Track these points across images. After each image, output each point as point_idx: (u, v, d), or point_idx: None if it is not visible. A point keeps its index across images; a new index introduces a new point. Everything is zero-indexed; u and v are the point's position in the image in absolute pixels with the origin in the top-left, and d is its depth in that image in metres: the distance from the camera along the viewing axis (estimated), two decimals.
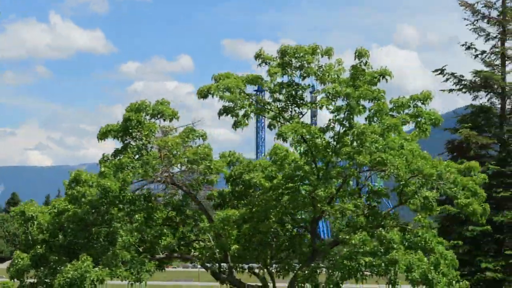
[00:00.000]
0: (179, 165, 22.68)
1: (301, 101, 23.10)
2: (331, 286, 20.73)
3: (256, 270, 24.39)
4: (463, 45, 35.64)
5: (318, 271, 22.00)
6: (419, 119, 23.11)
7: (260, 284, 23.82)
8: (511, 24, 35.20)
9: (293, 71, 22.71)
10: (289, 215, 23.13)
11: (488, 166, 33.30)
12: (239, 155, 24.42)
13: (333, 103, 22.35)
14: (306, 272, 21.86)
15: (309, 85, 23.33)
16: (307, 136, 21.70)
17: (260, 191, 23.17)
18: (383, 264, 20.30)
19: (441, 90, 35.94)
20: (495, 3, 35.30)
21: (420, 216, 21.77)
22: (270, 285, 24.10)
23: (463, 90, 35.65)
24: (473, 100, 35.75)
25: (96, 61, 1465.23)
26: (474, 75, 34.83)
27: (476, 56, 35.45)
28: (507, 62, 35.35)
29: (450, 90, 35.72)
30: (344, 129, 21.99)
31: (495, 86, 34.86)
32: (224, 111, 23.10)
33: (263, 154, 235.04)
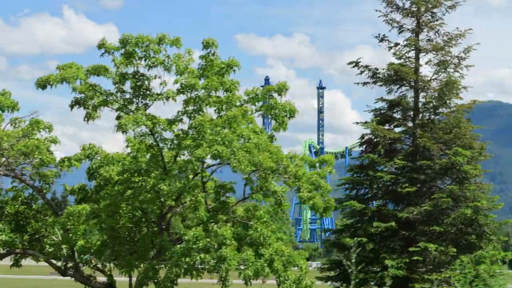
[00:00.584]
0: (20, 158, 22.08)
1: (147, 92, 22.40)
2: (167, 283, 20.15)
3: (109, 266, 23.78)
4: (376, 37, 34.87)
5: (159, 267, 21.38)
6: (275, 111, 22.41)
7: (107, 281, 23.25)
8: (425, 16, 34.38)
9: (139, 61, 22.00)
10: (140, 210, 22.52)
11: (395, 161, 32.58)
12: (99, 149, 23.79)
13: (185, 94, 21.77)
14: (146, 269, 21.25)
15: (155, 75, 22.62)
16: (157, 129, 21.15)
17: (109, 186, 22.59)
18: (212, 261, 19.66)
19: (355, 83, 35.15)
20: None
21: (261, 212, 21.11)
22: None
23: (378, 83, 34.85)
24: (388, 93, 34.93)
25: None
26: (387, 68, 33.98)
27: (390, 48, 34.65)
28: (420, 55, 34.51)
29: (364, 83, 34.93)
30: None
31: (408, 79, 34.04)
32: (76, 102, 22.52)
33: None
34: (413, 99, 34.43)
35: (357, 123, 34.12)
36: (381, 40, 34.73)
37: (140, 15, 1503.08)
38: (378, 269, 31.99)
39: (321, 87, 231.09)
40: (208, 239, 19.80)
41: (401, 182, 32.85)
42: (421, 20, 34.37)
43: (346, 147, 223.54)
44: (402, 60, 34.16)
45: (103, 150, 23.72)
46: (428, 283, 31.67)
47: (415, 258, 31.61)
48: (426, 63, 34.36)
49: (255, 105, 22.33)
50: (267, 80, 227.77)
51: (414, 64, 34.29)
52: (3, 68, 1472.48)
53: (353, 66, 35.11)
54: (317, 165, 22.20)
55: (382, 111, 34.37)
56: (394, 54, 34.04)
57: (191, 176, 21.42)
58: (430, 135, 33.16)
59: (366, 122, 33.86)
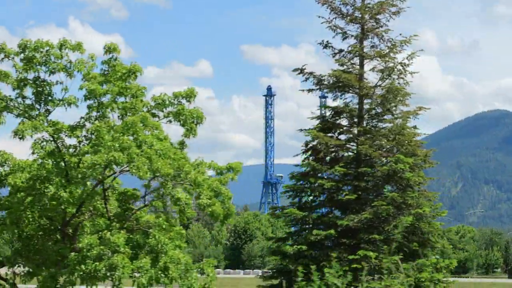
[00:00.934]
0: None
1: (49, 98, 22.12)
2: None
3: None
4: (320, 43, 34.61)
5: (59, 276, 21.08)
6: (183, 117, 22.17)
7: None
8: (369, 22, 34.11)
9: (39, 67, 21.76)
10: (46, 218, 22.27)
11: (336, 168, 32.28)
12: (9, 155, 23.48)
13: (91, 100, 21.55)
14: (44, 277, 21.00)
15: (57, 81, 22.31)
16: (60, 135, 20.95)
17: (13, 193, 22.34)
18: (104, 269, 19.38)
19: (301, 90, 34.87)
20: (354, 0, 34.16)
21: (161, 219, 20.83)
22: None
23: (324, 90, 34.59)
24: (333, 100, 34.69)
25: None
26: (328, 75, 33.69)
27: (335, 55, 34.38)
28: (365, 62, 34.21)
29: (310, 90, 34.65)
30: None
31: (351, 86, 33.74)
32: None
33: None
34: (357, 106, 34.17)
35: (301, 130, 33.82)
36: (325, 47, 34.46)
37: (146, 26, 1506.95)
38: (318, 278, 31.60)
39: (323, 96, 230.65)
40: (102, 247, 19.53)
41: (342, 190, 32.58)
42: (365, 27, 34.12)
43: None
44: (345, 66, 33.87)
45: (13, 157, 23.40)
46: None
47: (354, 266, 31.23)
48: (371, 69, 34.10)
49: (163, 111, 22.09)
50: (269, 89, 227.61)
51: (358, 71, 34.02)
52: None
53: (298, 73, 34.85)
54: (225, 172, 21.84)
55: (326, 118, 34.09)
56: (337, 60, 33.76)
57: (92, 183, 21.18)
58: (372, 142, 32.86)
59: (309, 129, 33.55)
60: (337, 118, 34.12)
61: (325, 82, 34.22)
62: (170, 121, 22.26)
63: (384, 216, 32.08)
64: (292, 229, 35.09)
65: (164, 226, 20.65)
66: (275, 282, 33.25)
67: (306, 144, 33.96)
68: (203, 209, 20.43)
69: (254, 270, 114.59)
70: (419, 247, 32.77)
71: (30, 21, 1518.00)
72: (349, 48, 33.92)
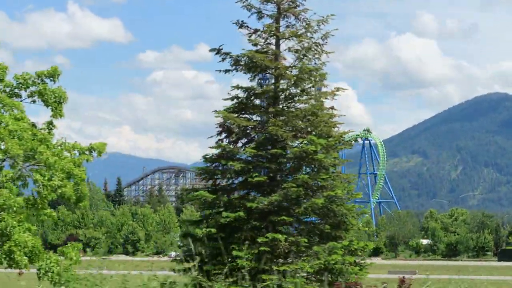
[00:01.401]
0: None
1: None
2: None
3: None
4: (235, 23, 34.01)
5: None
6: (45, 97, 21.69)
7: None
8: (286, 2, 33.50)
9: None
10: None
11: (246, 150, 31.84)
12: None
13: None
14: None
15: None
16: None
17: None
18: None
19: (217, 70, 34.33)
20: None
21: (12, 201, 20.38)
22: None
23: (241, 70, 34.03)
24: (250, 80, 34.11)
25: (115, 50, 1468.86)
26: (243, 55, 33.13)
27: (251, 35, 33.79)
28: (282, 42, 33.65)
29: (226, 71, 34.09)
30: None
31: (265, 67, 33.18)
32: None
33: None
34: (273, 87, 33.64)
35: (215, 111, 33.28)
36: (240, 27, 33.88)
37: (146, 10, 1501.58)
38: (228, 261, 31.28)
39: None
40: None
41: (254, 172, 32.10)
42: (281, 6, 33.53)
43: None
44: (259, 46, 33.31)
45: None
46: (278, 274, 30.92)
47: (263, 249, 30.83)
48: (286, 50, 33.54)
49: (26, 91, 21.63)
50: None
51: (273, 51, 33.47)
52: (9, 63, 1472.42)
53: (216, 53, 34.27)
54: (88, 153, 21.36)
55: (240, 99, 33.54)
56: (250, 40, 33.20)
57: None
58: (285, 123, 32.34)
59: (220, 111, 33.02)
60: (252, 99, 33.61)
61: (242, 63, 33.69)
62: (34, 101, 21.75)
63: (294, 199, 31.65)
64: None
65: (15, 209, 20.19)
66: (187, 265, 32.88)
67: (221, 125, 33.50)
68: (53, 192, 19.96)
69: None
70: (331, 230, 32.39)
71: (29, 5, 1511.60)
72: (264, 28, 33.35)
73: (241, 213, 31.08)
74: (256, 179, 31.53)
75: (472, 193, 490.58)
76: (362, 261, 32.94)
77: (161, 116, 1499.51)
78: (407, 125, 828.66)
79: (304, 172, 32.59)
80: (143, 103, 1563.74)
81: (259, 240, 31.08)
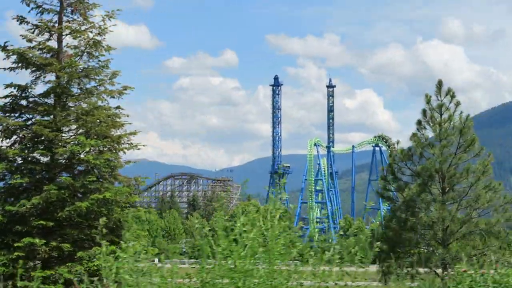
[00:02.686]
0: None
1: None
2: None
3: None
4: (15, 18, 32.66)
5: None
6: None
7: None
8: None
9: None
10: None
11: (8, 151, 30.50)
12: None
13: None
14: None
15: None
16: None
17: None
18: None
19: (1, 68, 32.93)
20: None
21: None
22: None
23: (22, 68, 32.59)
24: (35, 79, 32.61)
25: (142, 56, 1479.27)
26: (17, 51, 31.76)
27: (34, 31, 32.41)
28: (63, 38, 32.21)
29: (12, 69, 32.70)
30: None
31: (48, 64, 31.78)
32: None
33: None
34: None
35: None
36: (21, 22, 32.54)
37: (172, 16, 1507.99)
38: None
39: (330, 86, 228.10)
40: None
41: (17, 174, 30.70)
42: (64, 1, 32.15)
43: (353, 146, 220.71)
44: (35, 42, 31.93)
45: None
46: (35, 280, 29.43)
47: (17, 254, 29.44)
48: (66, 46, 32.15)
49: None
50: (276, 79, 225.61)
51: (54, 49, 32.10)
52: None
53: (1, 50, 32.97)
54: None
55: (14, 98, 32.18)
56: (23, 36, 31.87)
57: None
58: (52, 122, 30.92)
59: None
60: (27, 97, 32.21)
61: (25, 60, 32.35)
62: None
63: (59, 202, 30.17)
64: None
65: None
66: None
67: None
68: None
69: None
70: (106, 235, 30.81)
71: None
72: (41, 24, 32.00)
73: (0, 218, 29.73)
74: (18, 181, 30.19)
75: None
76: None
77: (187, 122, 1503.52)
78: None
79: (70, 175, 31.08)
80: (169, 109, 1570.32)
81: (16, 245, 29.70)
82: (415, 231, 36.46)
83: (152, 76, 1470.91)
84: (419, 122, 36.75)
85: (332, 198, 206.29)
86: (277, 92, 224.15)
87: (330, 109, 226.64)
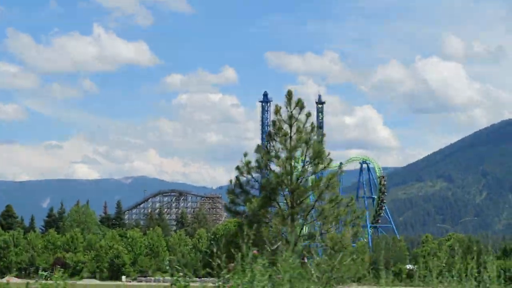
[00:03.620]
0: None
1: None
2: None
3: None
4: None
5: None
6: None
7: None
8: None
9: None
10: None
11: None
12: None
13: None
14: None
15: None
16: None
17: None
18: None
19: None
20: None
21: None
22: None
23: None
24: None
25: (141, 73, 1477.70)
26: None
27: None
28: None
29: None
30: None
31: None
32: None
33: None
34: None
35: None
36: None
37: (171, 33, 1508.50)
38: None
39: (320, 102, 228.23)
40: None
41: None
42: None
43: (340, 163, 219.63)
44: None
45: None
46: None
47: None
48: None
49: None
50: (265, 95, 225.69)
51: None
52: (36, 86, 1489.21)
53: None
54: None
55: None
56: None
57: None
58: None
59: None
60: None
61: None
62: None
63: None
64: None
65: None
66: None
67: None
68: None
69: None
70: None
71: (54, 28, 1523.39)
72: None
73: None
74: None
75: (468, 218, 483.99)
76: None
77: (187, 139, 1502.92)
78: (433, 149, 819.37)
79: None
80: (169, 127, 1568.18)
81: None
82: (258, 246, 34.72)
83: (151, 93, 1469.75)
84: (269, 134, 34.02)
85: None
86: (266, 108, 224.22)
87: (320, 125, 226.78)
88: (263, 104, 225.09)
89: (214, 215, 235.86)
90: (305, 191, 32.66)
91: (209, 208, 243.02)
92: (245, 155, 32.41)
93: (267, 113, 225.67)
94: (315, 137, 32.76)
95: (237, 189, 34.07)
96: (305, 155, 32.86)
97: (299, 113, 32.87)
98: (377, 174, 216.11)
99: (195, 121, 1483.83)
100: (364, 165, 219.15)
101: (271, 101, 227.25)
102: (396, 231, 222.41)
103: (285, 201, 32.85)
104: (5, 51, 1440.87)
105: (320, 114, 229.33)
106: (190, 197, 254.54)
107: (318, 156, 32.53)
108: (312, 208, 33.04)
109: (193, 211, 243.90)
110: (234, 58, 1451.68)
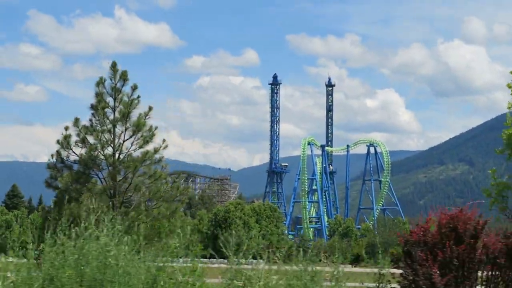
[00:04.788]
0: None
1: None
2: None
3: None
4: None
5: None
6: None
7: None
8: None
9: None
10: None
11: None
12: None
13: None
14: None
15: None
16: None
17: None
18: None
19: None
20: None
21: None
22: None
23: None
24: None
25: (162, 55, 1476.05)
26: None
27: None
28: None
29: None
30: None
31: None
32: None
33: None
34: None
35: None
36: None
37: (193, 14, 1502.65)
38: None
39: (330, 85, 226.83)
40: None
41: None
42: None
43: (348, 145, 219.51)
44: None
45: None
46: None
47: None
48: None
49: None
50: (275, 77, 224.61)
51: None
52: (58, 67, 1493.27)
53: None
54: None
55: None
56: None
57: None
58: None
59: None
60: None
61: None
62: None
63: None
64: None
65: None
66: None
67: None
68: None
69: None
70: None
71: (76, 10, 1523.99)
72: None
73: None
74: None
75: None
76: None
77: (208, 121, 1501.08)
78: (455, 133, 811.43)
79: None
80: (190, 108, 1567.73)
81: None
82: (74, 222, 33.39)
83: (172, 74, 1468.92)
84: (91, 106, 32.34)
85: (327, 197, 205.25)
86: (275, 91, 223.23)
87: (329, 108, 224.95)
88: (273, 86, 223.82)
89: (223, 197, 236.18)
90: (125, 166, 31.68)
91: (218, 190, 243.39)
92: (66, 128, 31.55)
93: (277, 95, 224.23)
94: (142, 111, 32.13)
95: (59, 164, 32.75)
96: (126, 129, 31.93)
97: (123, 86, 32.05)
98: (384, 157, 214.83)
99: (216, 103, 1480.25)
100: (372, 148, 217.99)
101: (281, 83, 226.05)
102: (402, 213, 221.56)
103: (104, 177, 32.09)
104: (27, 33, 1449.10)
105: (329, 96, 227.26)
106: (198, 179, 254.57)
107: (139, 129, 31.50)
108: (130, 184, 31.99)
109: (202, 192, 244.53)
110: (255, 40, 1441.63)
